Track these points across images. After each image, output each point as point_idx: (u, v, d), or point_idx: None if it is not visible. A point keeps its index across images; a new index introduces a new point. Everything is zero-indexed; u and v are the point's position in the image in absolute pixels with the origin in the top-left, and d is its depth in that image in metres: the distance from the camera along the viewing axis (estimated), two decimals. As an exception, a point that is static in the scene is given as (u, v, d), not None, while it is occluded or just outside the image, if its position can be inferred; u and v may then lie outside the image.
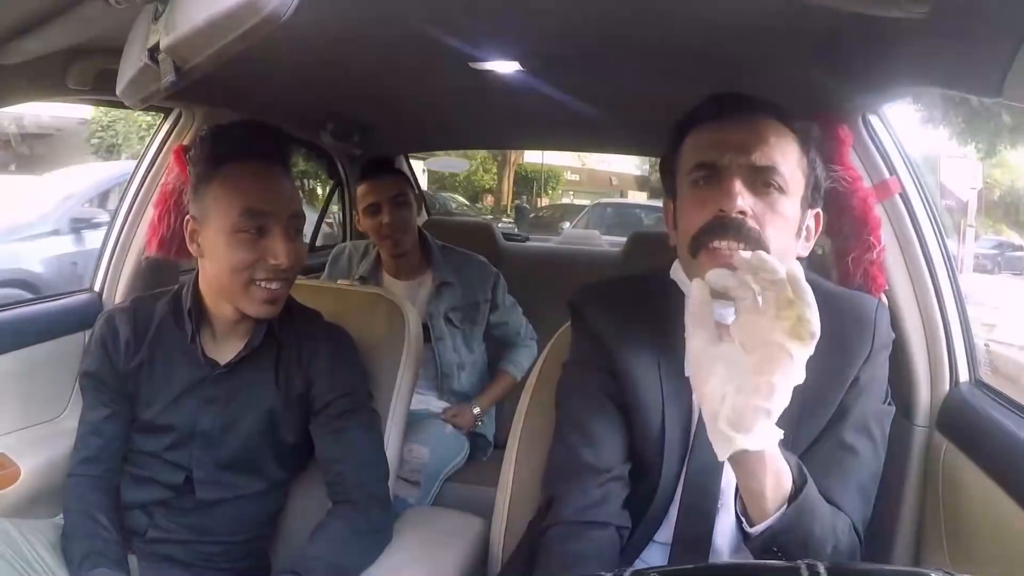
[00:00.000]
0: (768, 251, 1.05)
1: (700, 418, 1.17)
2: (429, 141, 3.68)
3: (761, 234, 1.08)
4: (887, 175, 1.50)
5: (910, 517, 1.42)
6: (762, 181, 1.10)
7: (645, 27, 1.46)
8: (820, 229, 1.22)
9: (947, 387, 1.47)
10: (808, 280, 1.16)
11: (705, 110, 1.17)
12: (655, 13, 1.37)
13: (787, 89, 1.68)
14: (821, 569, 0.57)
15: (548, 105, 2.11)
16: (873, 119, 1.52)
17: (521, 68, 1.81)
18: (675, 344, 1.18)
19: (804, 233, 1.18)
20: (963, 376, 1.48)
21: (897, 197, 1.49)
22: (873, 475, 1.17)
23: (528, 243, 4.00)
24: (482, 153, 20.45)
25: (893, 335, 1.24)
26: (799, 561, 0.58)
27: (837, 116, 1.48)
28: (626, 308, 1.24)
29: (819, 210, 1.21)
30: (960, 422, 1.38)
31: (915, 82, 1.25)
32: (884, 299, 1.43)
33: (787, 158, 1.12)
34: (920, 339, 1.49)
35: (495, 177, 21.97)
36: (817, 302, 1.16)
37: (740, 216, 1.07)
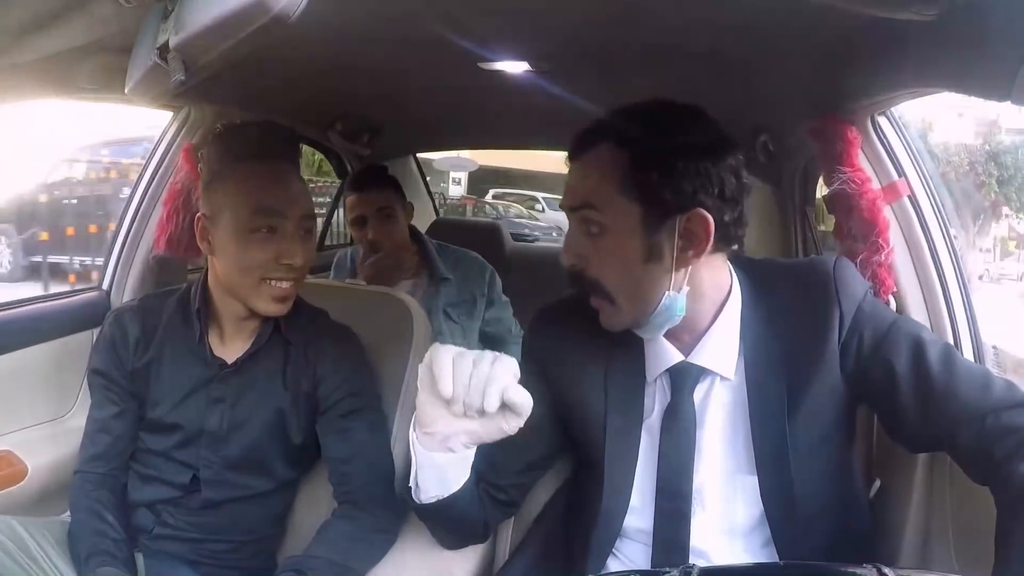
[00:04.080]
0: (610, 293, 1.12)
1: (663, 423, 1.19)
2: (438, 141, 3.69)
3: (598, 281, 1.12)
4: (896, 177, 1.49)
5: (917, 520, 1.41)
6: (585, 229, 1.13)
7: (654, 28, 1.46)
8: (711, 229, 1.08)
9: None
10: (760, 263, 1.23)
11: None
12: (664, 14, 1.37)
13: (795, 90, 1.68)
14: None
15: (557, 105, 2.10)
16: (882, 120, 1.51)
17: (530, 68, 1.82)
18: (624, 347, 1.23)
19: (678, 244, 1.08)
20: None
21: (906, 199, 1.49)
22: (960, 358, 1.13)
23: (536, 243, 4.00)
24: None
25: (868, 285, 1.22)
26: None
27: (846, 117, 1.48)
28: (578, 325, 1.25)
29: (692, 212, 1.07)
30: None
31: (924, 84, 1.25)
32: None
33: (598, 192, 1.11)
34: None
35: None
36: (769, 282, 1.20)
37: (574, 269, 1.14)
